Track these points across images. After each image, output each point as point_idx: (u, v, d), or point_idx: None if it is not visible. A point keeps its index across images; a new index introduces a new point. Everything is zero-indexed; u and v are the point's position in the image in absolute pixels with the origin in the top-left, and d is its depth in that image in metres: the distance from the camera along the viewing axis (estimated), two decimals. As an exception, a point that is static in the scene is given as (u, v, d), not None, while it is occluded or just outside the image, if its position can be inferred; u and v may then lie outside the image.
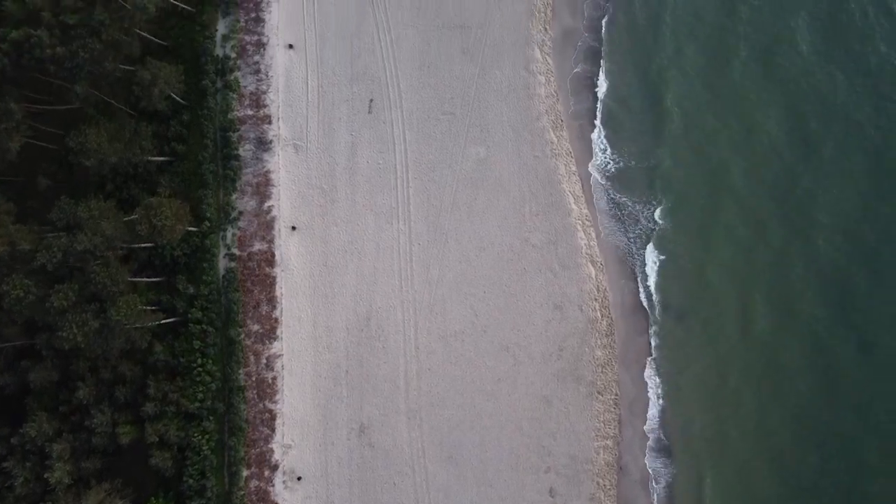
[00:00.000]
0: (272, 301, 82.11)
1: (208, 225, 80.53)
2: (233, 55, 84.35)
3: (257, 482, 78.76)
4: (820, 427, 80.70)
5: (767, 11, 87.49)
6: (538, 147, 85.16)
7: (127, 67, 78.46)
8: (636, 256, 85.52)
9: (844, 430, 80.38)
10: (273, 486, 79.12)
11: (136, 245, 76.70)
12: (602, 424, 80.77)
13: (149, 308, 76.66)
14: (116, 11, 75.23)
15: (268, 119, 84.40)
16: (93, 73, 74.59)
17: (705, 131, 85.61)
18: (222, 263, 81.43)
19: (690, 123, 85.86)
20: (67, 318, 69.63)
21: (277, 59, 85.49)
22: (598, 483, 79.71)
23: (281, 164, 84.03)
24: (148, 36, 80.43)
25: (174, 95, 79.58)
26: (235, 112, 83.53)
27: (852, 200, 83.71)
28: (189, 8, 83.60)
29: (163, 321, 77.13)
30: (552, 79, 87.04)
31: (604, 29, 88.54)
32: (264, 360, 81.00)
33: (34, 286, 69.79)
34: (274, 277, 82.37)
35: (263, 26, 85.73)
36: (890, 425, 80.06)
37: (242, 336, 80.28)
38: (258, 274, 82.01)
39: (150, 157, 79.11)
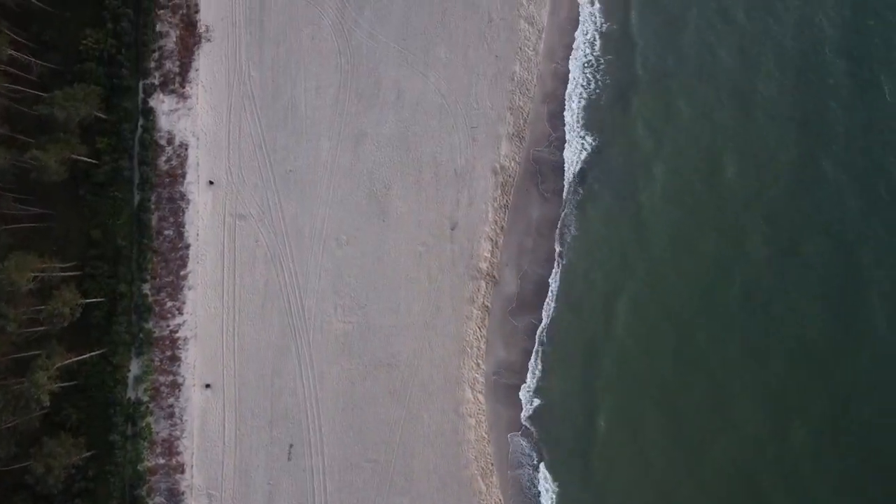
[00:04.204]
0: None
1: None
2: (145, 399, 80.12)
3: None
4: None
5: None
6: (465, 498, 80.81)
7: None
8: None
9: None
10: None
11: None
12: None
13: None
14: (8, 392, 71.32)
15: (181, 468, 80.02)
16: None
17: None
18: None
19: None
20: None
21: (193, 401, 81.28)
22: None
23: (193, 517, 79.90)
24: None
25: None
26: (146, 462, 79.18)
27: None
28: (100, 350, 79.45)
29: None
30: (483, 420, 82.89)
31: (539, 365, 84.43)
32: None
33: None
34: None
35: (179, 365, 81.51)
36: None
37: None
38: None
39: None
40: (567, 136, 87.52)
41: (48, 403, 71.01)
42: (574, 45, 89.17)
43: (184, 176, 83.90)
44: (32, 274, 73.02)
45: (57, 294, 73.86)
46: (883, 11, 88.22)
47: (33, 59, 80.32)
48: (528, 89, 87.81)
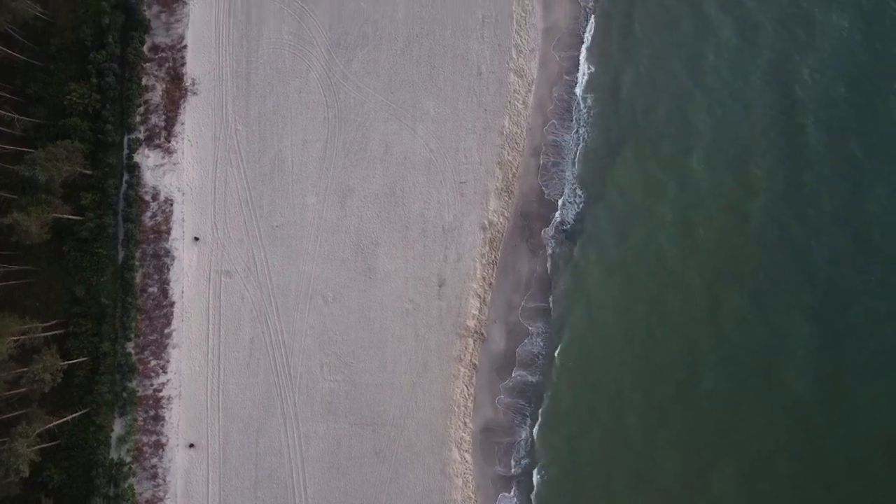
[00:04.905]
0: None
1: None
2: (128, 459, 79.22)
3: None
4: None
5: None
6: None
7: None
8: None
9: None
10: None
11: None
12: None
13: None
14: (-10, 457, 70.37)
15: (164, 530, 79.33)
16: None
17: None
18: None
19: None
20: None
21: (177, 462, 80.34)
22: None
23: (176, 580, 78.91)
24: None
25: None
26: (129, 526, 78.46)
27: None
28: (83, 410, 78.52)
29: None
30: (470, 479, 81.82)
31: (527, 423, 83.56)
32: None
33: None
34: None
35: (163, 425, 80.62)
36: None
37: None
38: None
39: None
40: (556, 191, 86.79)
41: (27, 474, 69.93)
42: (564, 99, 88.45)
43: (169, 232, 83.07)
44: (13, 339, 72.18)
45: (38, 358, 72.89)
46: (857, 77, 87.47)
47: (16, 116, 79.33)
48: (517, 143, 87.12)
